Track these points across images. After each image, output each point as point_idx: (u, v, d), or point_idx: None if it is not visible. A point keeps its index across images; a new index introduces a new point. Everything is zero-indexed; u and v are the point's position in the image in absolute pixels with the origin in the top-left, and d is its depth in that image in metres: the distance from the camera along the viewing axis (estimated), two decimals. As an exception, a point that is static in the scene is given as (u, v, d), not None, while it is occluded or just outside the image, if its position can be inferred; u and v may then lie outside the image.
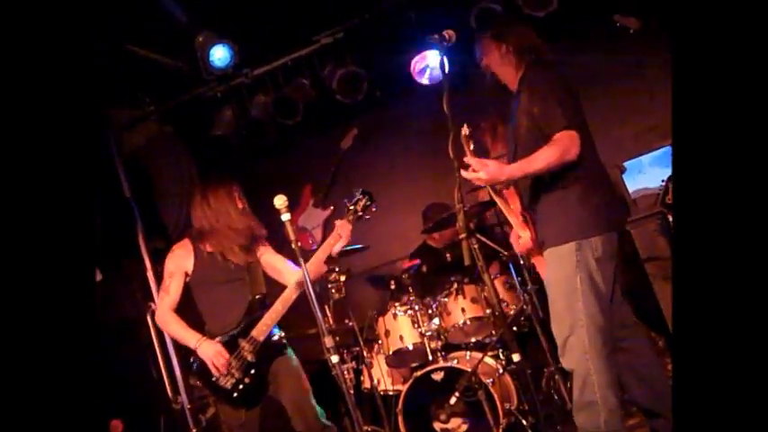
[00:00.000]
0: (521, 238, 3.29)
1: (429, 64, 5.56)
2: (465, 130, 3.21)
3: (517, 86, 3.30)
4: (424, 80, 5.66)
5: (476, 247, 2.91)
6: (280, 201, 3.32)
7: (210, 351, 3.63)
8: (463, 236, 2.86)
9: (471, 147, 3.19)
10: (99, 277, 4.96)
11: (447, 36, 3.15)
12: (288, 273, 3.89)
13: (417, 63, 5.61)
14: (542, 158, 3.00)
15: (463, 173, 3.04)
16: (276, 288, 3.89)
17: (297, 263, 3.37)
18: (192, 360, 3.76)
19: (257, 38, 5.44)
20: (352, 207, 3.90)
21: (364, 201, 3.90)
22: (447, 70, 3.17)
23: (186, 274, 3.82)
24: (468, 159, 3.10)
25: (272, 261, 3.97)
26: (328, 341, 3.24)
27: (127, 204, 5.52)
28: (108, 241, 5.14)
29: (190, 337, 3.71)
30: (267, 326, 3.71)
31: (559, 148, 2.99)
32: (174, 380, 5.07)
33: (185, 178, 5.74)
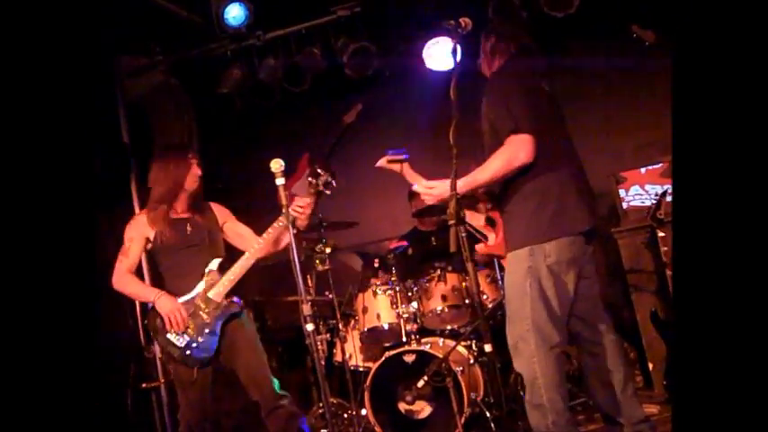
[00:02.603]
0: (487, 240, 3.38)
1: (441, 49, 5.56)
2: (380, 163, 3.32)
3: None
4: (435, 65, 5.67)
5: (463, 235, 2.93)
6: (276, 165, 3.35)
7: (169, 306, 3.68)
8: (452, 223, 2.87)
9: (405, 172, 3.31)
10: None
11: (463, 23, 3.14)
12: (251, 239, 3.90)
13: (430, 47, 5.62)
14: (487, 170, 3.08)
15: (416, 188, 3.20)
16: (238, 255, 3.89)
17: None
18: (146, 319, 3.82)
19: (274, 1, 5.43)
20: (313, 181, 3.83)
21: (326, 177, 3.83)
22: (459, 57, 3.17)
23: (148, 240, 3.85)
24: (416, 188, 3.24)
25: (236, 228, 4.00)
26: (306, 309, 3.27)
27: (123, 150, 5.51)
28: (101, 184, 5.15)
29: (148, 292, 3.80)
30: (225, 287, 3.74)
31: (505, 155, 3.04)
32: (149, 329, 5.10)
33: (185, 131, 5.73)
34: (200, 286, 3.78)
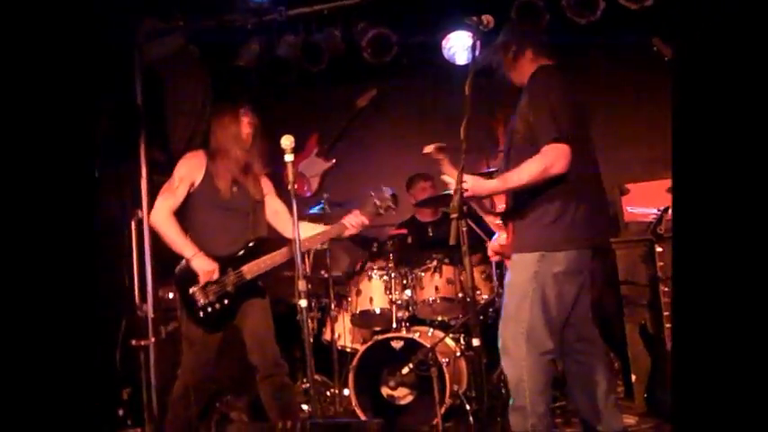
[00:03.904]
0: (498, 238, 3.36)
1: (460, 44, 5.59)
2: (429, 149, 3.27)
3: (523, 90, 3.31)
4: (453, 58, 5.69)
5: (464, 230, 2.96)
6: (287, 141, 3.37)
7: (206, 266, 3.65)
8: (455, 216, 2.91)
9: (444, 163, 3.28)
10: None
11: (485, 21, 3.16)
12: (284, 216, 3.91)
13: (449, 40, 5.64)
14: (524, 173, 3.05)
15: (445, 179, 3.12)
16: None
17: (290, 204, 3.42)
18: (177, 267, 3.76)
19: (299, -22, 5.45)
20: (377, 203, 3.86)
21: (389, 201, 3.88)
22: (477, 54, 3.19)
23: (192, 185, 3.79)
24: (445, 178, 3.17)
25: (274, 204, 3.99)
26: (301, 285, 3.31)
27: (136, 111, 5.53)
28: (110, 142, 5.17)
29: (187, 247, 3.69)
30: (259, 268, 3.73)
31: (543, 162, 3.02)
32: (144, 288, 5.13)
33: (199, 99, 5.75)
34: (238, 255, 3.75)
